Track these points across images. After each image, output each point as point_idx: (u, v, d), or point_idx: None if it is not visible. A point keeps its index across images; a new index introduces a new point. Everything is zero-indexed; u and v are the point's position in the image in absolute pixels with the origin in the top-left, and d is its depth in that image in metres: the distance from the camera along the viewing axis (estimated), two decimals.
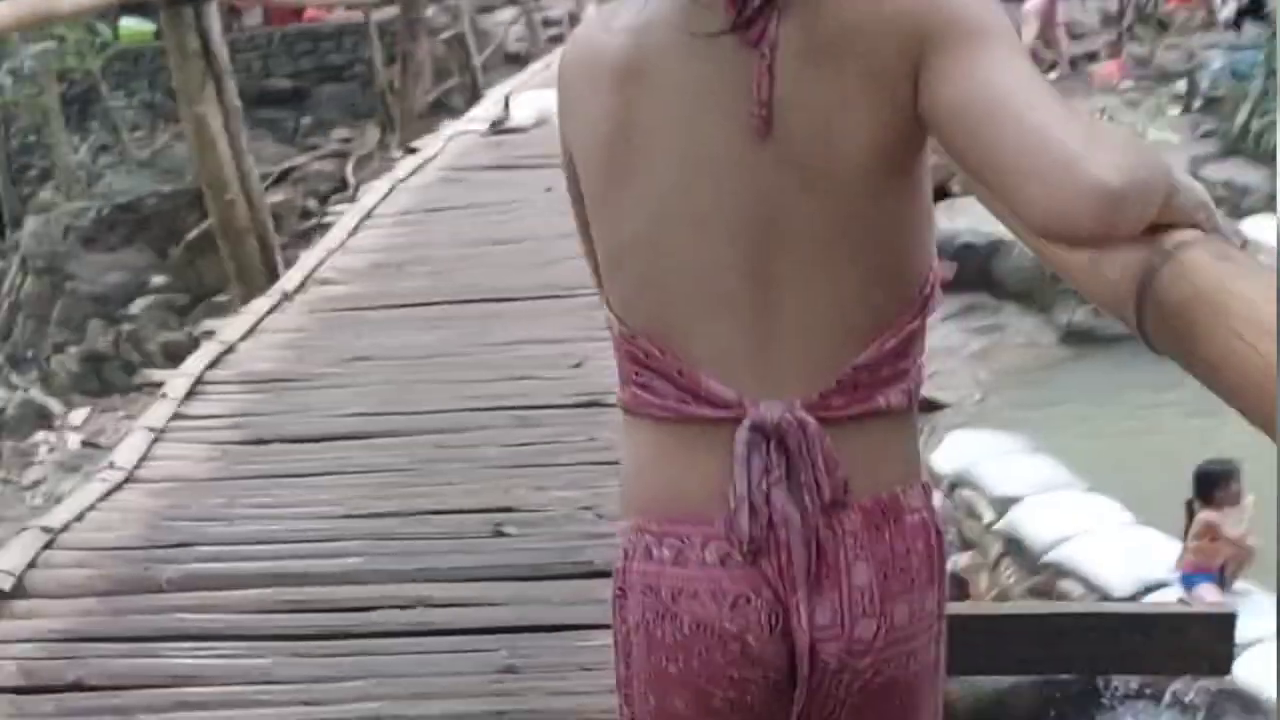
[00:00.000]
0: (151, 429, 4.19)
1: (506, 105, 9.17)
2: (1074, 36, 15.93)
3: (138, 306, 13.56)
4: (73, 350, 13.71)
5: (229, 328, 5.17)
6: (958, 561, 5.23)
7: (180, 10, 5.51)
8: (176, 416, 4.31)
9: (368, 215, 6.94)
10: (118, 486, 3.80)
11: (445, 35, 11.79)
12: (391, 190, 7.48)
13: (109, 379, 13.70)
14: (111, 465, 3.94)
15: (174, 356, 13.64)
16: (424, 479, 3.80)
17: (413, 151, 8.53)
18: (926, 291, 1.43)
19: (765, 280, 1.37)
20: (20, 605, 3.19)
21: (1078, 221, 1.16)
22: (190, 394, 4.49)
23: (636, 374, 1.44)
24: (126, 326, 13.57)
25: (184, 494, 3.80)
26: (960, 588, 5.01)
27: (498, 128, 9.06)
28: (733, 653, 1.42)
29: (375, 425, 4.17)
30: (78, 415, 13.67)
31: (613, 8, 1.44)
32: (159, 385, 4.61)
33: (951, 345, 12.09)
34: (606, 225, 1.45)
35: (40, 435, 13.45)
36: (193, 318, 13.82)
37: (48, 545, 3.43)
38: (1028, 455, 6.14)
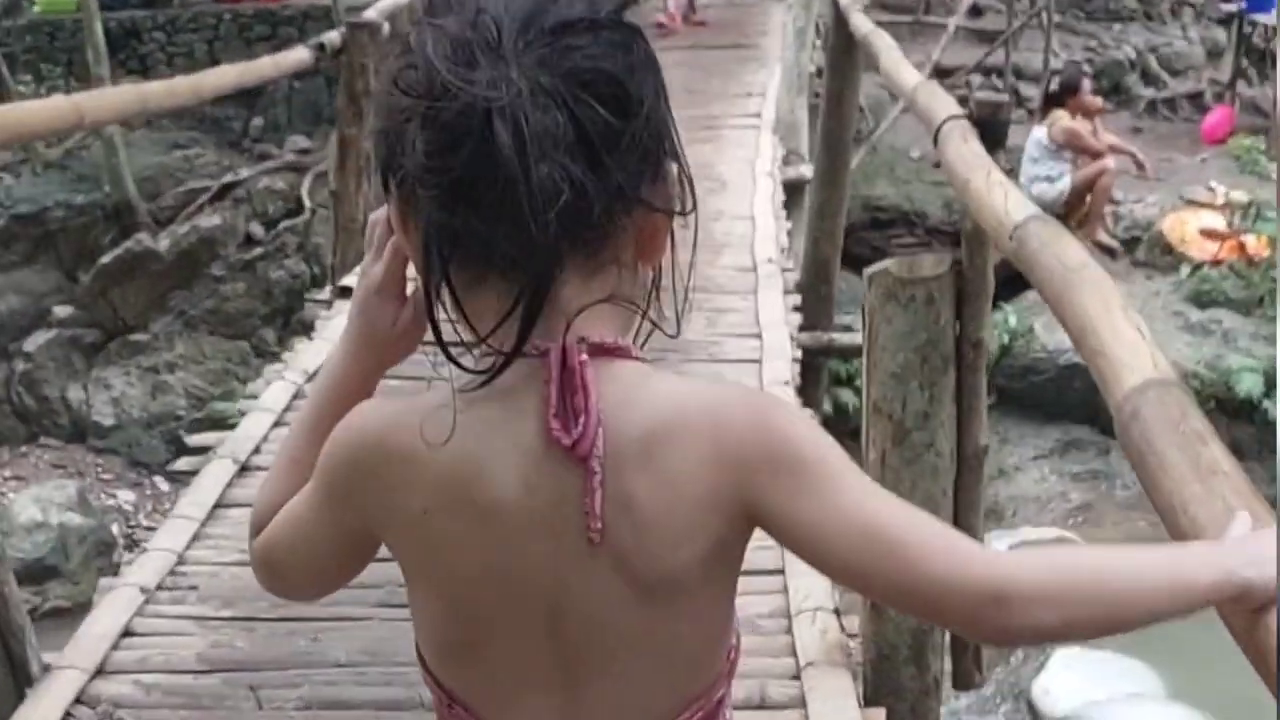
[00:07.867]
0: None
1: None
2: (1173, 72, 13.80)
3: (36, 342, 11.18)
4: None
5: None
6: None
7: None
8: None
9: (252, 452, 4.52)
10: None
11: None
12: (293, 401, 5.04)
13: None
14: None
15: (76, 412, 11.39)
16: None
17: (345, 293, 6.08)
18: (733, 657, 1.46)
19: (579, 668, 1.38)
20: None
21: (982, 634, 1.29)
22: None
23: None
24: (21, 366, 11.19)
25: None
26: None
27: None
28: None
29: None
30: None
31: (408, 409, 1.33)
32: None
33: (1045, 494, 9.16)
34: (429, 596, 1.41)
35: None
36: (102, 359, 11.43)
37: None
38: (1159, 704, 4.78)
